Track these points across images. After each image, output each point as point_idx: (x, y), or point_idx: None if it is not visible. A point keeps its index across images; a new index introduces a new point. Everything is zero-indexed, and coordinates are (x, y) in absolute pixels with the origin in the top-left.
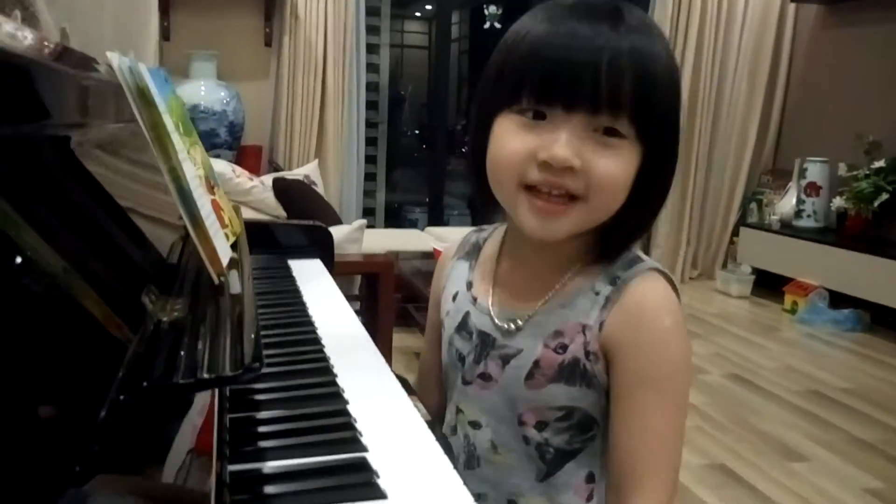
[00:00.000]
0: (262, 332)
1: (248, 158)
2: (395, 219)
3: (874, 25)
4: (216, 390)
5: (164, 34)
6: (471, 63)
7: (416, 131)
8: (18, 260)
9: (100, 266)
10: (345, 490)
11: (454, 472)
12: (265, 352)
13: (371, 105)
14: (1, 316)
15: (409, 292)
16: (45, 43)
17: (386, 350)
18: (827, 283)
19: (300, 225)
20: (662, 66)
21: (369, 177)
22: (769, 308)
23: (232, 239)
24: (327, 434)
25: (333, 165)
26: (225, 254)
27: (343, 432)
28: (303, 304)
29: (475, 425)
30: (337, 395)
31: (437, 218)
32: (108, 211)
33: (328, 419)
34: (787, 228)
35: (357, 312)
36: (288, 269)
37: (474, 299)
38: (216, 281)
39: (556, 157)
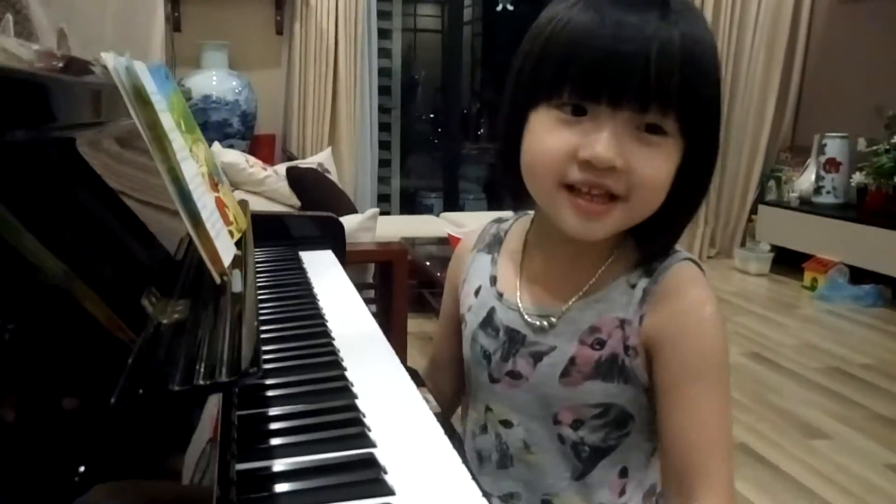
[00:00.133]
0: (272, 326)
1: (262, 148)
2: (410, 204)
3: None
4: None
5: (176, 25)
6: (484, 46)
7: (431, 115)
8: (18, 263)
9: (103, 268)
10: (352, 487)
11: (463, 466)
12: (274, 346)
13: (384, 90)
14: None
15: (424, 278)
16: (51, 58)
17: (401, 338)
18: (847, 259)
19: (311, 216)
20: (710, 58)
21: (384, 163)
22: (788, 285)
23: (237, 236)
24: (335, 430)
25: (347, 152)
26: (228, 252)
27: (351, 428)
28: (313, 296)
29: (506, 424)
30: (346, 390)
31: (453, 203)
32: (115, 211)
33: (336, 415)
34: (806, 205)
35: (371, 301)
36: (299, 260)
37: (500, 295)
38: (217, 281)
39: (599, 156)
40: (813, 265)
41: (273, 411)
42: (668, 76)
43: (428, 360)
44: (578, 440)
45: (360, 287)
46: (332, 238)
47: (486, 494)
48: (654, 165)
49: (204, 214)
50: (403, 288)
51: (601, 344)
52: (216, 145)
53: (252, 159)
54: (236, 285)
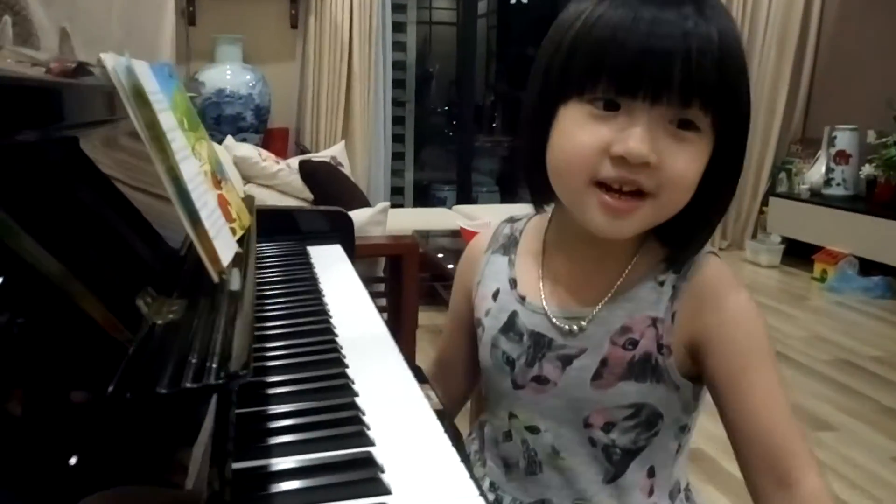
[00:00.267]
0: (275, 323)
1: (275, 141)
2: (423, 197)
3: None
4: None
5: (190, 19)
6: (499, 39)
7: (446, 108)
8: (13, 262)
9: (101, 267)
10: (349, 486)
11: (461, 464)
12: (276, 343)
13: (398, 84)
14: None
15: (437, 271)
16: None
17: (411, 332)
18: (856, 250)
19: (320, 210)
20: (742, 55)
21: (397, 156)
22: (799, 277)
23: (239, 233)
24: (334, 429)
25: (360, 146)
26: (229, 250)
27: (350, 426)
28: (318, 291)
29: (533, 430)
30: (346, 388)
31: (466, 196)
32: (118, 210)
33: (335, 413)
34: (816, 197)
35: (382, 294)
36: (306, 255)
37: (522, 298)
38: (215, 280)
39: (633, 152)
40: (823, 257)
41: (272, 409)
42: (709, 72)
43: (434, 360)
44: (610, 443)
45: (371, 281)
46: (341, 232)
47: (514, 501)
48: (685, 161)
49: (204, 213)
50: (414, 281)
51: (634, 344)
52: (229, 139)
53: (265, 153)
54: (234, 284)
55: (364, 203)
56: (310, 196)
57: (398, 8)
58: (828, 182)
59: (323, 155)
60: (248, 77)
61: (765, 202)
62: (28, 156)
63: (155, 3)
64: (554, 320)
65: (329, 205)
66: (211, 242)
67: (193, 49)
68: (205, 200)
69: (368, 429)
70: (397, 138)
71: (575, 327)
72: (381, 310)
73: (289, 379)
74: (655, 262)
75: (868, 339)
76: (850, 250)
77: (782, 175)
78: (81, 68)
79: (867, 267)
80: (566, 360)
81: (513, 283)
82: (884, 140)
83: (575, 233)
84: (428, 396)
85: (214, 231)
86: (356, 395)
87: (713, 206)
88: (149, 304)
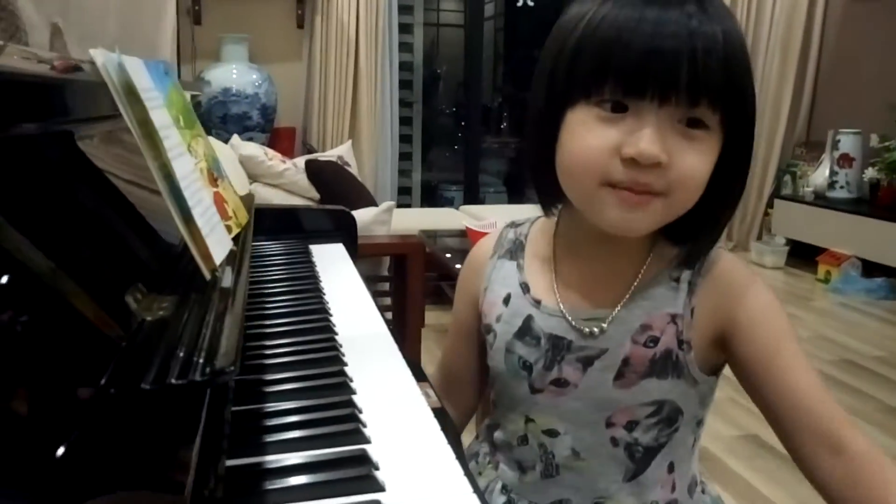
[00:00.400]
0: (275, 321)
1: (282, 141)
2: (431, 198)
3: None
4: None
5: (196, 18)
6: (506, 41)
7: (454, 109)
8: (5, 260)
9: (94, 264)
10: (343, 483)
11: (456, 462)
12: (275, 341)
13: (406, 84)
14: None
15: (443, 270)
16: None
17: (416, 331)
18: (860, 252)
19: (322, 209)
20: (746, 52)
21: (405, 156)
22: (803, 278)
23: (235, 231)
24: (330, 426)
25: (367, 146)
26: (223, 247)
27: (345, 424)
28: (319, 290)
29: (552, 433)
30: (344, 386)
31: (473, 196)
32: (113, 206)
33: (332, 411)
34: (820, 200)
35: (387, 294)
36: (308, 254)
37: (537, 302)
38: (208, 277)
39: (645, 153)
40: (826, 258)
41: (269, 407)
42: (715, 71)
43: (439, 375)
44: (632, 441)
45: (376, 280)
46: (344, 231)
47: None
48: (695, 160)
49: (198, 210)
50: (419, 281)
51: (655, 341)
52: (235, 138)
53: (271, 152)
54: (226, 281)
55: (371, 203)
56: (316, 195)
57: (405, 9)
58: (831, 185)
59: (329, 154)
60: (255, 76)
61: (770, 204)
62: (21, 151)
63: (154, 2)
64: (573, 322)
65: (336, 204)
66: (203, 240)
67: (199, 48)
68: (199, 198)
69: (365, 426)
70: (405, 138)
71: (596, 329)
72: (386, 309)
73: (287, 377)
74: (668, 260)
75: (871, 339)
76: (853, 252)
77: (787, 178)
78: (78, 65)
79: (870, 268)
80: (587, 362)
81: (525, 287)
82: (886, 144)
83: (586, 235)
84: (426, 394)
85: (208, 229)
86: (353, 392)
87: (723, 202)
88: (139, 300)
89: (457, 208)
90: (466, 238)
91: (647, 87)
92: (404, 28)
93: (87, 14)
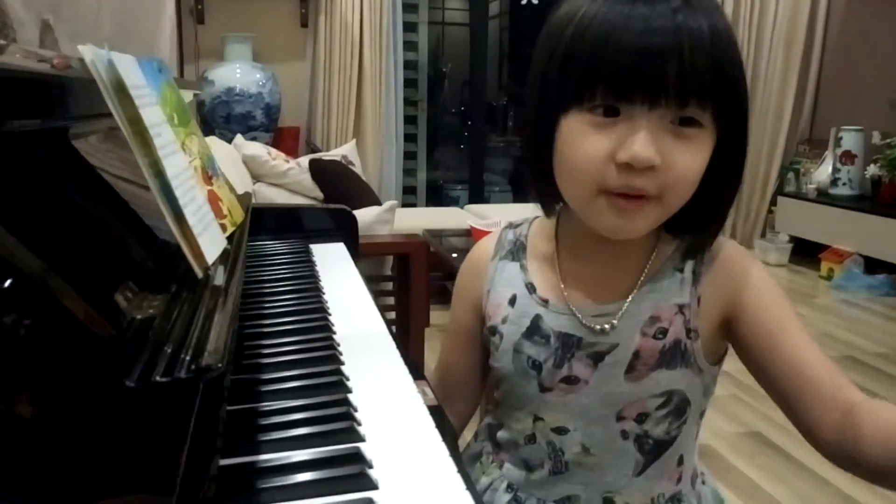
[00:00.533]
0: (273, 321)
1: (286, 140)
2: (436, 197)
3: None
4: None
5: (199, 17)
6: (511, 39)
7: (461, 108)
8: None
9: (87, 262)
10: (336, 482)
11: (450, 459)
12: (272, 340)
13: (410, 83)
14: None
15: (448, 270)
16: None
17: (419, 330)
18: (862, 249)
19: (323, 208)
20: (734, 44)
21: (410, 155)
22: (806, 275)
23: (230, 229)
24: (325, 425)
25: (372, 145)
26: (216, 246)
27: (340, 423)
28: (318, 289)
29: (561, 431)
30: (340, 384)
31: (478, 195)
32: (108, 204)
33: (327, 409)
34: (823, 197)
35: (390, 293)
36: (308, 253)
37: (544, 301)
38: (199, 275)
39: (638, 156)
40: (829, 255)
41: (265, 406)
42: (704, 69)
43: (438, 378)
44: (642, 433)
45: (379, 279)
46: (345, 230)
47: (539, 501)
48: (690, 159)
49: (191, 208)
50: (421, 280)
51: (664, 332)
52: (238, 137)
53: (274, 151)
54: (217, 279)
55: (375, 202)
56: (320, 195)
57: (409, 8)
58: (834, 182)
59: (334, 154)
60: (258, 76)
61: (773, 202)
62: (12, 148)
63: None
64: (582, 320)
65: (340, 204)
66: (195, 238)
67: (202, 47)
68: (191, 196)
69: (360, 425)
70: (410, 138)
71: (606, 326)
72: (389, 308)
73: (283, 376)
74: (672, 252)
75: (873, 336)
76: (855, 249)
77: (790, 175)
78: (70, 63)
79: (872, 265)
80: (597, 358)
81: (530, 287)
82: (888, 141)
83: (589, 234)
84: (423, 392)
85: (201, 227)
86: (349, 391)
87: (720, 196)
88: (129, 298)
89: (462, 208)
90: (471, 237)
91: (636, 90)
92: (409, 27)
93: (79, 10)
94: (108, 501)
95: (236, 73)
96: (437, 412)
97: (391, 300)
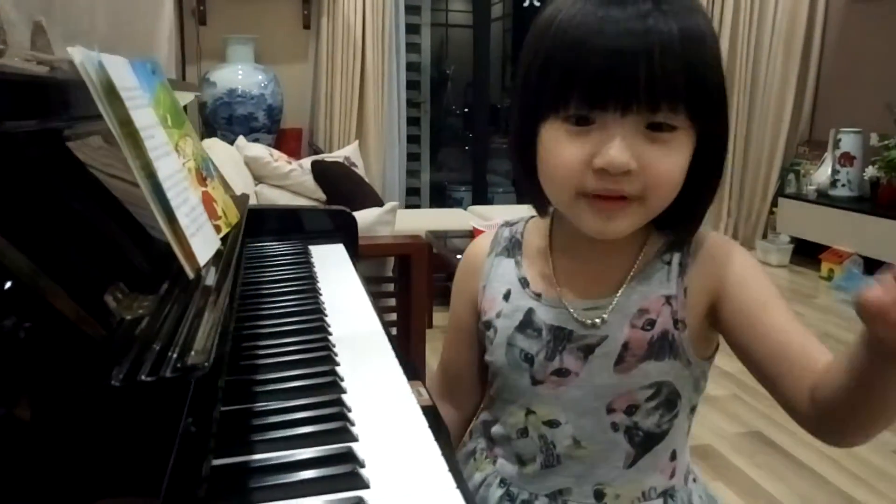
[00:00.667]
0: (269, 322)
1: (288, 141)
2: (440, 198)
3: None
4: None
5: (201, 19)
6: (514, 41)
7: (465, 110)
8: None
9: (79, 264)
10: (328, 480)
11: (441, 458)
12: (268, 342)
13: (413, 85)
14: None
15: (452, 271)
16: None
17: (420, 332)
18: (861, 250)
19: (323, 210)
20: (709, 42)
21: (413, 157)
22: (807, 276)
23: (225, 230)
24: (318, 425)
25: (374, 146)
26: (210, 247)
27: (333, 423)
28: (315, 290)
29: (552, 424)
30: (334, 385)
31: (481, 196)
32: (103, 205)
33: (320, 410)
34: (823, 198)
35: (391, 294)
36: (307, 254)
37: (537, 295)
38: (191, 276)
39: (614, 162)
40: (829, 256)
41: (259, 406)
42: (674, 74)
43: (440, 376)
44: (632, 425)
45: (381, 281)
46: (344, 231)
47: (531, 495)
48: (666, 163)
49: (183, 209)
50: (423, 281)
51: (652, 324)
52: (240, 139)
53: (277, 153)
54: (209, 280)
55: (378, 203)
56: (323, 197)
57: (412, 10)
58: (833, 183)
59: (336, 155)
60: (261, 77)
61: (774, 203)
62: (5, 149)
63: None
64: (573, 313)
65: (342, 205)
66: (187, 239)
67: (204, 49)
68: (185, 197)
69: (353, 425)
70: (413, 139)
71: (597, 319)
72: (390, 310)
73: (278, 377)
74: (658, 242)
75: None
76: (854, 250)
77: (791, 176)
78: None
79: (871, 266)
80: (588, 350)
81: (524, 282)
82: (886, 142)
83: (581, 233)
84: (418, 393)
85: (194, 228)
86: (343, 392)
87: (701, 193)
88: (119, 299)
89: (465, 209)
90: (474, 238)
91: (608, 100)
92: (412, 29)
93: (72, 12)
94: (95, 503)
95: (238, 75)
96: (431, 412)
97: (393, 301)
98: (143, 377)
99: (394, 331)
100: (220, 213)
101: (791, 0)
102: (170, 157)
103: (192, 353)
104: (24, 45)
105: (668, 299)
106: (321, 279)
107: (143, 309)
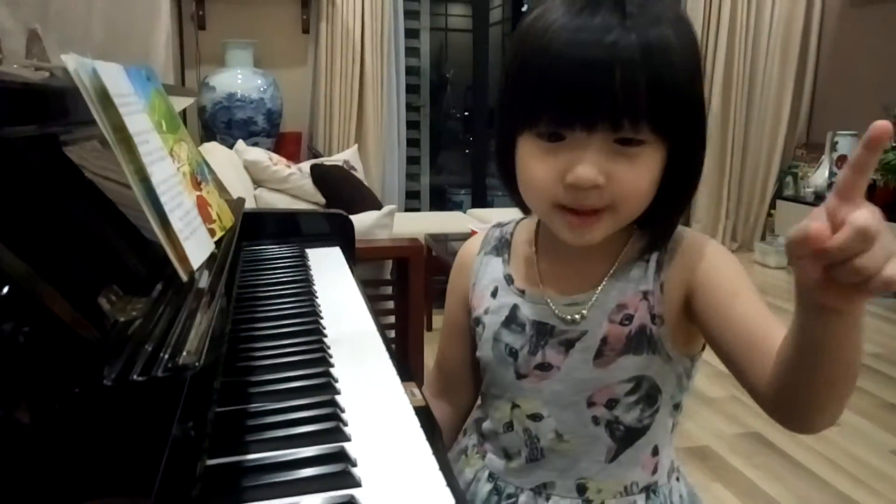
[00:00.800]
0: (265, 324)
1: (288, 145)
2: (440, 201)
3: None
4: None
5: (200, 23)
6: None
7: (465, 113)
8: None
9: (74, 267)
10: (321, 479)
11: (432, 457)
12: (263, 344)
13: (413, 89)
14: None
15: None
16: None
17: (417, 334)
18: None
19: (319, 213)
20: (679, 52)
21: (413, 160)
22: None
23: (219, 234)
24: (311, 425)
25: (374, 150)
26: (203, 250)
27: (326, 423)
28: (311, 293)
29: (536, 417)
30: (328, 386)
31: (481, 199)
32: (99, 209)
33: (314, 410)
34: (821, 200)
35: (389, 297)
36: (304, 257)
37: (521, 291)
38: (184, 278)
39: (581, 179)
40: None
41: (254, 407)
42: (635, 91)
43: (436, 374)
44: (613, 419)
45: (378, 283)
46: (341, 234)
47: (516, 489)
48: (635, 176)
49: (177, 213)
50: (420, 283)
51: (629, 319)
52: (240, 143)
53: (276, 157)
54: (203, 283)
55: (377, 207)
56: (322, 200)
57: (411, 14)
58: (830, 186)
59: (336, 159)
60: (260, 81)
61: (773, 205)
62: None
63: (145, 5)
64: (555, 309)
65: (342, 209)
66: (180, 242)
67: (203, 53)
68: (179, 201)
69: (346, 425)
70: (413, 143)
71: (577, 315)
72: (388, 312)
73: (273, 378)
74: (639, 240)
75: (869, 336)
76: None
77: (789, 179)
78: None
79: None
80: (568, 345)
81: (509, 279)
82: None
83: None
84: (412, 393)
85: (188, 232)
86: (337, 392)
87: (676, 199)
88: (112, 301)
89: (465, 212)
90: None
91: (575, 119)
92: (411, 33)
93: (68, 19)
94: (87, 502)
95: (237, 79)
96: (423, 412)
97: (391, 304)
98: (134, 377)
99: (392, 333)
100: (214, 216)
101: (788, 4)
102: (164, 162)
103: (184, 353)
104: (19, 52)
105: (645, 295)
106: (317, 282)
107: (136, 311)
